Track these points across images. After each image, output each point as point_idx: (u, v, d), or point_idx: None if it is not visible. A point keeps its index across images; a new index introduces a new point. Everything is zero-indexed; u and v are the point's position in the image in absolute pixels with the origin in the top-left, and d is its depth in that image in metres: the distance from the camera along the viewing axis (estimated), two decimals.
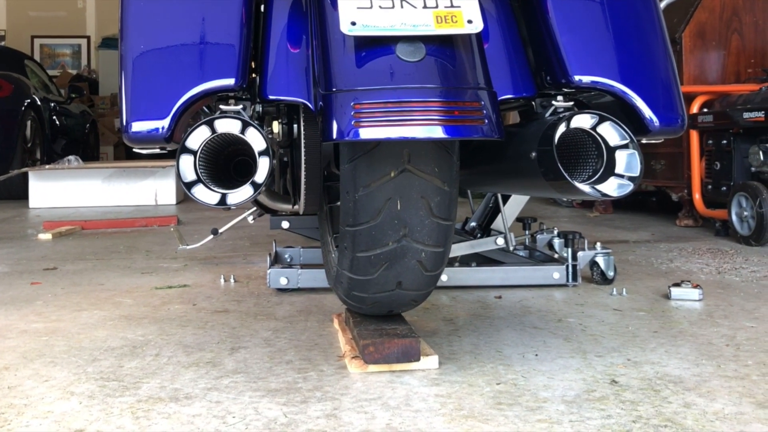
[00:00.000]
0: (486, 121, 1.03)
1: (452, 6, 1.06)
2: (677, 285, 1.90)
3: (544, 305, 1.82)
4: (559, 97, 1.17)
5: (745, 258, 2.49)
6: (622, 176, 1.07)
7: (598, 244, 2.09)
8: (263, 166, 1.04)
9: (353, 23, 1.04)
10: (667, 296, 1.89)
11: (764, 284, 2.07)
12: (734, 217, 2.85)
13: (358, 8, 1.04)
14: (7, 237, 3.33)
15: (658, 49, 1.15)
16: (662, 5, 2.85)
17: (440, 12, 1.05)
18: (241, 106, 1.11)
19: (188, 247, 2.40)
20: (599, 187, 1.07)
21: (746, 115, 2.84)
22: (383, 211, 1.16)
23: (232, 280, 2.13)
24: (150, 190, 4.81)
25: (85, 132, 7.21)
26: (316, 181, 1.35)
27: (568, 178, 1.04)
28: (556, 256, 2.17)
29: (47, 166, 4.90)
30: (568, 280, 2.02)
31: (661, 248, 2.73)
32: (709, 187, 3.11)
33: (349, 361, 1.31)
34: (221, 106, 1.11)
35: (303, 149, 1.31)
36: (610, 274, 2.07)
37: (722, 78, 3.46)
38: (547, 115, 1.16)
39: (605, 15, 1.15)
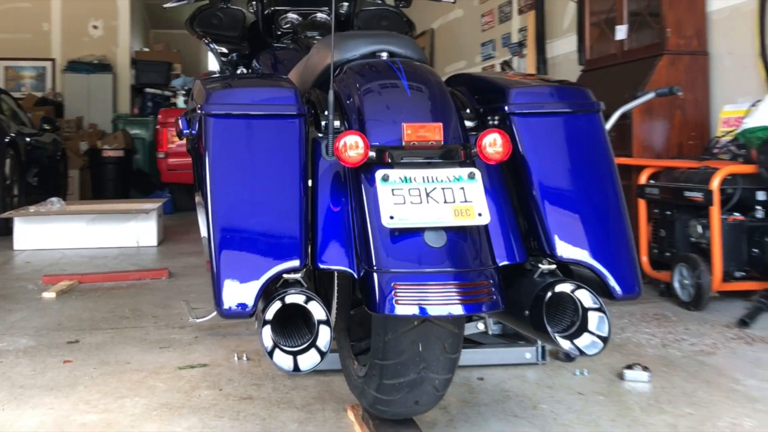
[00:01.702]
0: (494, 297, 1.35)
1: (466, 201, 1.37)
2: (630, 367, 2.26)
3: (519, 388, 2.15)
4: (545, 261, 1.48)
5: (686, 327, 2.88)
6: (593, 333, 1.40)
7: None
8: (324, 334, 1.32)
9: (391, 217, 1.34)
10: (621, 377, 2.24)
11: (700, 360, 2.44)
12: (676, 284, 3.25)
13: (394, 204, 1.34)
14: (8, 294, 3.53)
15: (623, 231, 1.48)
16: (609, 125, 3.23)
17: (457, 206, 1.37)
18: (300, 274, 1.39)
19: (198, 320, 2.66)
20: (577, 342, 1.40)
21: (687, 193, 3.25)
22: (407, 351, 1.47)
23: (245, 358, 2.41)
24: (132, 232, 5.01)
25: (56, 160, 7.33)
26: (345, 314, 1.65)
27: (555, 338, 1.37)
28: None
29: (32, 209, 5.06)
30: (538, 359, 2.36)
31: (613, 313, 3.10)
32: (655, 251, 3.51)
33: None
34: (284, 275, 1.39)
35: (336, 291, 1.61)
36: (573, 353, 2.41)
37: (667, 148, 3.88)
38: (536, 276, 1.48)
39: (583, 199, 1.48)
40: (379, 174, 1.36)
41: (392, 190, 1.35)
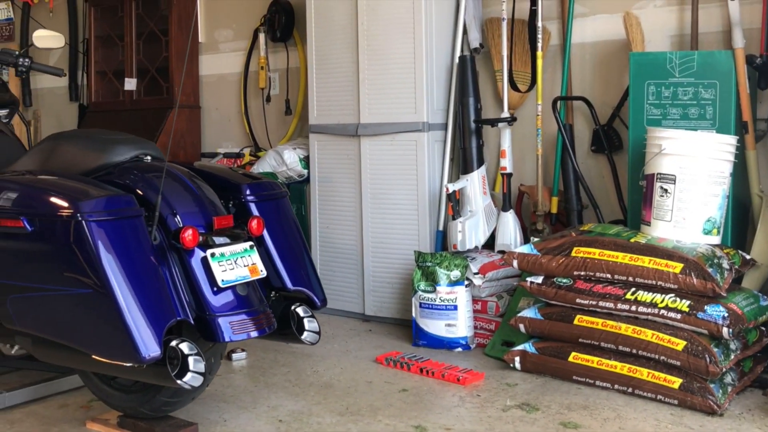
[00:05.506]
0: (273, 322, 2.23)
1: (254, 263, 2.21)
2: (234, 352, 3.29)
3: None
4: (274, 293, 2.40)
5: None
6: (310, 331, 2.39)
7: None
8: (191, 361, 1.98)
9: (222, 280, 2.11)
10: (230, 359, 3.25)
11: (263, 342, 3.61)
12: None
13: (222, 271, 2.11)
14: None
15: (313, 267, 2.49)
16: None
17: (251, 267, 2.20)
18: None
19: None
20: (304, 337, 2.37)
21: None
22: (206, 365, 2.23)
23: None
24: None
25: None
26: None
27: (300, 338, 2.33)
28: None
29: None
30: None
31: None
32: None
33: None
34: None
35: None
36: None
37: None
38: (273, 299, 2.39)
39: (294, 250, 2.42)
40: (209, 253, 2.10)
41: (218, 263, 2.11)
